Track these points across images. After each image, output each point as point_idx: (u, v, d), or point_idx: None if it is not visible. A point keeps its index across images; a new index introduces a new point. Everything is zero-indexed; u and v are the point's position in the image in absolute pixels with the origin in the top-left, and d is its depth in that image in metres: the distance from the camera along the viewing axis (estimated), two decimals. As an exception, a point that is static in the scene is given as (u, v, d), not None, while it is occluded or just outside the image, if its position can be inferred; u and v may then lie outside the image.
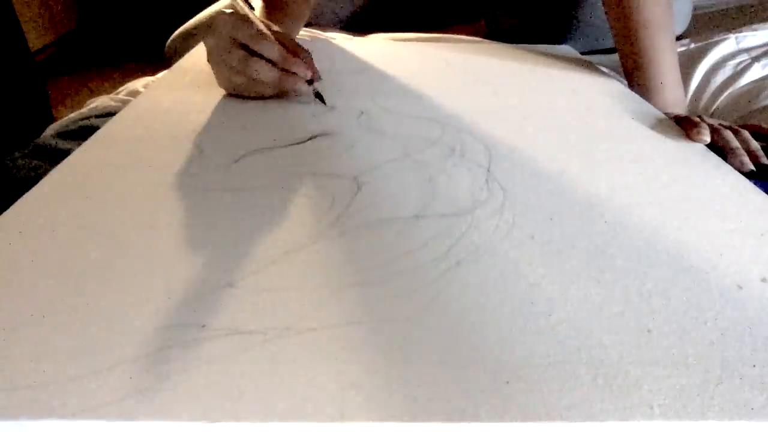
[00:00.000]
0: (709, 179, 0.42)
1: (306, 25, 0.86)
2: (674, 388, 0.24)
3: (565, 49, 0.78)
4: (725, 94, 0.69)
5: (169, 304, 0.28)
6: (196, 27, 0.88)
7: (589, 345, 0.26)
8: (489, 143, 0.47)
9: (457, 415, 0.23)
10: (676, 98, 0.62)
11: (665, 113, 0.55)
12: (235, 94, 0.56)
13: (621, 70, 0.72)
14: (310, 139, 0.47)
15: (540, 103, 0.57)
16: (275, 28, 0.56)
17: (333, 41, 0.80)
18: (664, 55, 0.61)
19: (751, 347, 0.26)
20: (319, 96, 0.55)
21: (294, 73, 0.54)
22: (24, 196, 0.38)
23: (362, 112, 0.53)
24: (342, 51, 0.74)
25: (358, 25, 0.89)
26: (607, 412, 0.23)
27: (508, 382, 0.24)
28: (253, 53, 0.52)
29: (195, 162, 0.43)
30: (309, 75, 0.54)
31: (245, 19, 0.53)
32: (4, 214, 0.36)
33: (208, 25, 0.56)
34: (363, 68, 0.67)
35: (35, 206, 0.37)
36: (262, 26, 0.53)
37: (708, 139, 0.48)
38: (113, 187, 0.39)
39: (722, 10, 0.93)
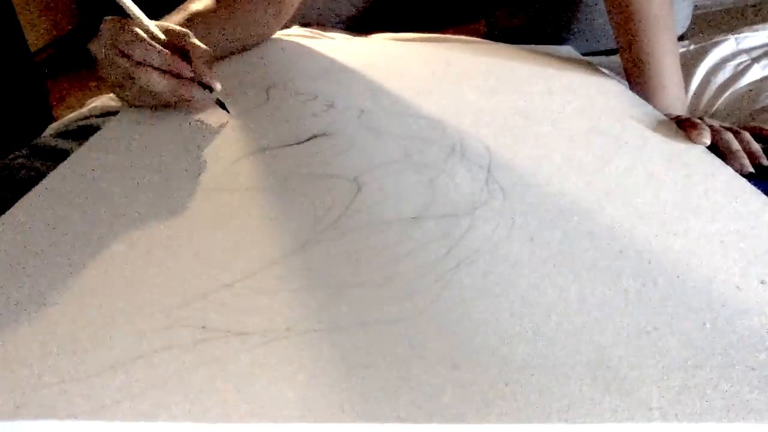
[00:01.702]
0: (708, 181, 0.42)
1: (306, 25, 0.86)
2: (673, 389, 0.24)
3: (565, 49, 0.78)
4: (725, 94, 0.69)
5: (168, 305, 0.28)
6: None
7: (589, 347, 0.26)
8: (489, 144, 0.47)
9: (456, 417, 0.23)
10: (677, 99, 0.62)
11: (666, 114, 0.55)
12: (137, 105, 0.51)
13: (622, 71, 0.72)
14: (309, 139, 0.47)
15: (540, 104, 0.57)
16: (172, 26, 0.51)
17: (333, 41, 0.80)
18: (665, 55, 0.61)
19: (749, 349, 0.26)
20: (221, 104, 0.51)
21: (188, 80, 0.49)
22: (25, 196, 0.38)
23: (362, 112, 0.53)
24: (342, 50, 0.74)
25: (359, 25, 0.89)
26: (606, 414, 0.23)
27: (507, 384, 0.24)
28: (137, 62, 0.47)
29: (195, 163, 0.43)
30: (203, 78, 0.49)
31: (126, 23, 0.48)
32: (6, 214, 0.36)
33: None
34: (363, 67, 0.67)
35: (36, 207, 0.37)
36: (145, 29, 0.49)
37: (708, 141, 0.48)
38: (113, 187, 0.39)
39: (722, 10, 0.93)
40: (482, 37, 0.83)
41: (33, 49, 1.76)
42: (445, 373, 0.25)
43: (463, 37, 0.82)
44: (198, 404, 0.23)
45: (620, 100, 0.58)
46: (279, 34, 0.80)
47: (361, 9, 0.90)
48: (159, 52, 0.47)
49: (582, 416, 0.23)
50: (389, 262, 0.32)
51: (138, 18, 0.49)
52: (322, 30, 0.85)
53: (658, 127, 0.52)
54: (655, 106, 0.58)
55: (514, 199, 0.39)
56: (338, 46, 0.76)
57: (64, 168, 0.42)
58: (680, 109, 0.62)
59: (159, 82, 0.47)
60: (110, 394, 0.23)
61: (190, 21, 0.59)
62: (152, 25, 0.49)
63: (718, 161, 0.46)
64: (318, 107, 0.54)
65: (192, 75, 0.48)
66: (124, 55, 0.47)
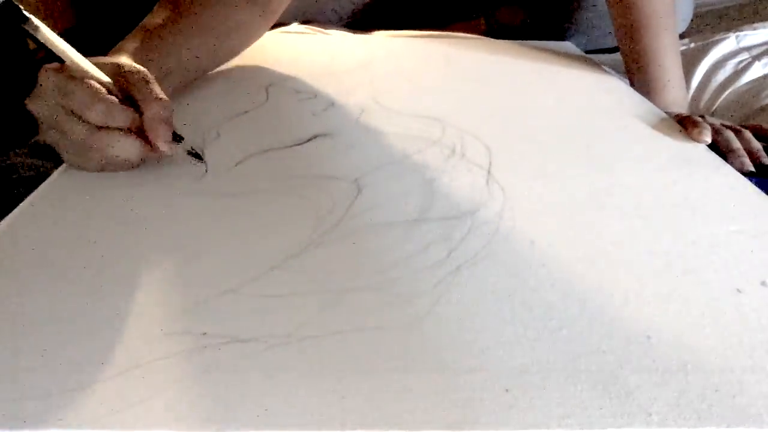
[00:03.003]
0: (709, 180, 0.42)
1: (306, 23, 0.86)
2: (672, 395, 0.24)
3: (566, 46, 0.77)
4: (726, 92, 0.69)
5: (169, 311, 0.28)
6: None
7: (588, 351, 0.26)
8: (489, 143, 0.47)
9: (456, 423, 0.23)
10: (678, 97, 0.62)
11: (667, 112, 0.55)
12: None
13: (622, 68, 0.72)
14: (310, 139, 0.47)
15: (541, 102, 0.57)
16: (125, 63, 0.42)
17: (333, 38, 0.80)
18: (666, 53, 0.61)
19: (749, 353, 0.26)
20: (194, 154, 0.42)
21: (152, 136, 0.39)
22: (25, 200, 0.38)
23: (362, 111, 0.53)
24: (342, 48, 0.74)
25: (359, 23, 0.89)
26: (605, 420, 0.23)
27: (507, 390, 0.24)
28: (99, 126, 0.38)
29: (197, 166, 0.42)
30: (169, 136, 0.40)
31: (73, 74, 0.38)
32: (7, 216, 0.36)
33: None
34: (363, 65, 0.66)
35: (36, 211, 0.37)
36: (97, 80, 0.39)
37: (709, 139, 0.48)
38: (113, 190, 0.39)
39: (722, 9, 0.93)
40: (482, 35, 0.83)
41: (32, 47, 1.76)
42: (444, 380, 0.25)
43: (463, 34, 0.82)
44: (199, 412, 0.23)
45: (621, 97, 0.58)
46: (279, 32, 0.80)
47: (362, 7, 0.90)
48: (122, 109, 0.38)
49: (581, 422, 0.23)
50: (390, 265, 0.32)
51: (75, 61, 0.39)
52: (322, 28, 0.85)
53: (659, 125, 0.51)
54: (656, 104, 0.58)
55: (515, 199, 0.39)
56: (338, 44, 0.76)
57: (62, 169, 0.42)
58: (682, 106, 0.62)
59: (129, 148, 0.39)
60: (109, 402, 0.23)
61: (148, 40, 0.50)
62: (96, 70, 0.40)
63: (719, 160, 0.46)
64: (318, 106, 0.54)
65: (159, 134, 0.39)
66: (78, 117, 0.38)
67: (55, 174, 0.41)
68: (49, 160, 0.50)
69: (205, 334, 0.26)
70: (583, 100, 0.58)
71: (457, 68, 0.68)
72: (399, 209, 0.37)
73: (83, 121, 0.38)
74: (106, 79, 0.40)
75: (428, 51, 0.74)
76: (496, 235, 0.35)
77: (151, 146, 0.40)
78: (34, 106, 0.39)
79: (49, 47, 0.38)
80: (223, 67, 0.63)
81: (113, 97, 0.38)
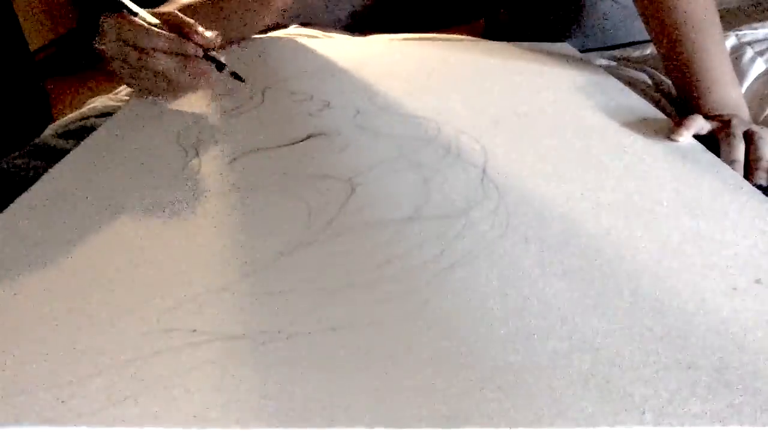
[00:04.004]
0: (705, 179, 0.42)
1: (305, 25, 0.86)
2: (666, 392, 0.24)
3: (562, 47, 0.77)
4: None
5: (159, 308, 0.28)
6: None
7: (582, 349, 0.26)
8: (485, 143, 0.47)
9: (447, 421, 0.22)
10: (724, 98, 0.56)
11: (711, 115, 0.53)
12: (158, 95, 0.54)
13: (620, 67, 0.72)
14: (305, 139, 0.47)
15: (536, 103, 0.56)
16: (171, 12, 0.54)
17: (330, 40, 0.80)
18: (708, 52, 0.56)
19: (744, 350, 0.26)
20: (235, 75, 0.53)
21: (195, 57, 0.51)
22: (21, 196, 0.38)
23: (358, 111, 0.53)
24: (338, 50, 0.74)
25: (357, 25, 0.89)
26: (598, 418, 0.23)
27: (499, 387, 0.24)
28: (144, 50, 0.50)
29: (192, 163, 0.42)
30: (200, 51, 0.51)
31: (127, 17, 0.51)
32: (2, 214, 0.36)
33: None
34: (359, 67, 0.66)
35: (31, 206, 0.37)
36: (144, 19, 0.51)
37: (679, 139, 0.48)
38: (108, 188, 0.39)
39: (721, 10, 0.93)
40: (481, 37, 0.83)
41: (33, 48, 1.77)
42: (437, 377, 0.24)
43: (460, 36, 0.82)
44: (189, 409, 0.23)
45: (617, 98, 0.58)
46: (276, 34, 0.80)
47: (360, 10, 0.90)
48: (164, 36, 0.50)
49: (574, 420, 0.23)
50: (383, 263, 0.32)
51: (136, 11, 0.51)
52: (320, 30, 0.85)
53: (655, 125, 0.51)
54: (702, 106, 0.55)
55: (509, 198, 0.39)
56: (334, 46, 0.76)
57: (59, 168, 0.42)
58: (733, 107, 0.55)
59: (168, 64, 0.50)
60: (98, 398, 0.23)
61: (182, 12, 0.60)
62: (149, 16, 0.51)
63: (715, 159, 0.46)
64: (314, 107, 0.54)
65: (196, 52, 0.51)
66: (131, 46, 0.49)
67: (50, 172, 0.41)
68: (49, 160, 0.50)
69: (194, 331, 0.26)
70: (579, 100, 0.57)
71: (453, 69, 0.68)
72: (393, 208, 0.37)
73: (135, 49, 0.49)
74: (154, 20, 0.51)
75: (424, 53, 0.74)
76: (490, 233, 0.35)
77: (194, 70, 0.51)
78: (100, 44, 0.51)
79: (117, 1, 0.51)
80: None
81: (155, 28, 0.50)
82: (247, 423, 0.22)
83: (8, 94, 1.45)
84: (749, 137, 0.49)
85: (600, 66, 0.72)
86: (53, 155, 0.52)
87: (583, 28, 0.81)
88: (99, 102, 0.68)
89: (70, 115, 0.64)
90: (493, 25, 0.87)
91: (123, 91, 0.73)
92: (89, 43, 0.53)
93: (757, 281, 0.31)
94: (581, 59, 0.72)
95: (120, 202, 0.37)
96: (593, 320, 0.28)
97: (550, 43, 0.78)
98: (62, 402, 0.23)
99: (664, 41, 0.59)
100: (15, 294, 0.29)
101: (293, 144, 0.46)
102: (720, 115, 0.53)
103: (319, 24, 0.88)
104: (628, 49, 0.78)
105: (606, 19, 0.78)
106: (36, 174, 0.47)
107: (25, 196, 0.38)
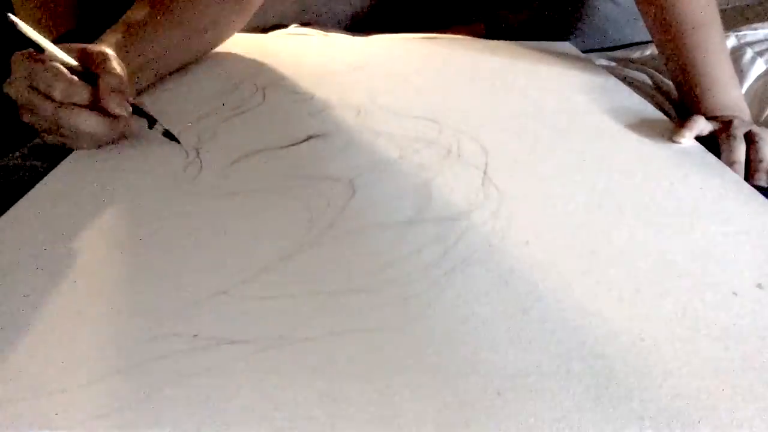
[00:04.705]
0: (706, 182, 0.42)
1: (305, 25, 0.86)
2: (666, 398, 0.24)
3: (564, 46, 0.77)
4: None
5: (160, 312, 0.28)
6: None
7: (582, 354, 0.26)
8: (486, 144, 0.47)
9: (447, 426, 0.22)
10: (724, 99, 0.55)
11: (712, 116, 0.53)
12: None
13: (620, 67, 0.71)
14: (306, 140, 0.47)
15: (538, 104, 0.56)
16: (89, 47, 0.46)
17: (331, 40, 0.80)
18: (707, 52, 0.56)
19: (744, 355, 0.26)
20: (169, 135, 0.45)
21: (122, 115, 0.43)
22: (22, 198, 0.38)
23: (359, 112, 0.53)
24: (340, 48, 0.74)
25: (358, 25, 0.89)
26: (598, 424, 0.23)
27: (499, 393, 0.24)
28: (61, 103, 0.41)
29: (192, 164, 0.42)
30: (129, 108, 0.43)
31: (38, 56, 0.42)
32: (4, 215, 0.36)
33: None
34: (361, 66, 0.66)
35: (32, 208, 0.37)
36: (57, 58, 0.42)
37: (681, 141, 0.47)
38: (109, 189, 0.39)
39: (721, 9, 0.93)
40: (482, 37, 0.83)
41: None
42: (437, 382, 0.24)
43: (461, 36, 0.82)
44: (189, 414, 0.23)
45: (619, 98, 0.58)
46: (276, 34, 0.80)
47: (361, 9, 0.90)
48: (83, 86, 0.42)
49: (574, 426, 0.23)
50: (383, 266, 0.32)
51: (46, 47, 0.42)
52: (320, 30, 0.85)
53: (656, 126, 0.51)
54: (704, 107, 0.55)
55: (510, 200, 0.38)
56: (336, 46, 0.76)
57: (59, 168, 0.42)
58: (733, 108, 0.55)
59: (90, 122, 0.42)
60: (100, 403, 0.23)
61: (128, 33, 0.53)
62: (65, 55, 0.43)
63: (716, 161, 0.46)
64: (314, 107, 0.54)
65: (123, 110, 0.42)
66: (45, 96, 0.41)
67: (52, 173, 0.41)
68: (49, 161, 0.50)
69: (196, 335, 0.26)
70: (581, 101, 0.57)
71: (454, 69, 0.67)
72: (394, 210, 0.37)
73: (50, 100, 0.41)
74: (72, 62, 0.43)
75: (426, 52, 0.73)
76: (491, 236, 0.35)
77: (118, 130, 0.44)
78: (9, 88, 0.42)
79: (26, 36, 0.42)
80: (222, 67, 0.63)
81: (74, 77, 0.42)
82: (248, 428, 0.22)
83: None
84: (750, 138, 0.49)
85: (601, 66, 0.71)
86: (53, 155, 0.52)
87: (583, 29, 0.81)
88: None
89: (69, 116, 0.64)
90: (493, 26, 0.86)
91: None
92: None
93: (758, 286, 0.31)
94: (584, 59, 0.72)
95: (120, 204, 0.37)
96: (593, 325, 0.28)
97: (552, 43, 0.77)
98: (62, 407, 0.23)
99: (665, 41, 0.59)
100: (15, 296, 0.29)
101: (294, 145, 0.46)
102: (721, 116, 0.53)
103: (319, 24, 0.88)
104: (628, 50, 0.78)
105: (607, 21, 0.78)
106: (36, 174, 0.47)
107: (25, 196, 0.38)
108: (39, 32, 0.43)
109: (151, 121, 0.45)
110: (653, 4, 0.59)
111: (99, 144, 0.45)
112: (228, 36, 0.69)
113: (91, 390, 0.23)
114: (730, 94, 0.56)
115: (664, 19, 0.58)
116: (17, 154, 0.55)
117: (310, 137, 0.47)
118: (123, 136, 0.46)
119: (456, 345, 0.26)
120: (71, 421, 0.22)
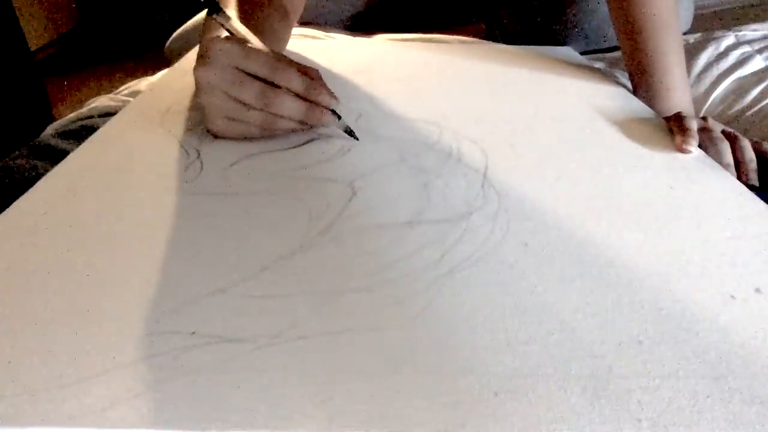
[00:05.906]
0: (705, 185, 0.42)
1: (306, 25, 0.86)
2: (663, 400, 0.24)
3: (565, 50, 0.77)
4: (727, 81, 0.68)
5: (158, 310, 0.28)
6: (195, 27, 0.88)
7: (580, 355, 0.26)
8: (486, 147, 0.47)
9: (444, 426, 0.22)
10: (682, 102, 0.60)
11: (670, 117, 0.54)
12: (232, 137, 0.46)
13: (620, 69, 0.72)
14: (307, 142, 0.47)
15: (538, 107, 0.57)
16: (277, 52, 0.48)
17: (332, 41, 0.80)
18: (669, 56, 0.60)
19: (743, 359, 0.26)
20: (349, 132, 0.48)
21: (317, 102, 0.46)
22: (22, 197, 0.38)
23: (360, 115, 0.53)
24: (341, 51, 0.74)
25: (359, 25, 0.89)
26: (595, 425, 0.23)
27: (496, 394, 0.24)
28: (272, 85, 0.44)
29: (192, 165, 0.43)
30: (333, 103, 0.46)
31: (250, 46, 0.44)
32: (2, 214, 0.36)
33: (200, 55, 0.45)
34: (362, 69, 0.66)
35: (32, 207, 0.37)
36: (269, 51, 0.45)
37: (692, 150, 0.47)
38: (110, 189, 0.39)
39: (720, 12, 0.93)
40: (483, 38, 0.83)
41: (33, 48, 1.77)
42: (435, 383, 0.24)
43: (462, 38, 0.82)
44: (186, 412, 0.23)
45: (618, 103, 0.58)
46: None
47: (361, 9, 0.90)
48: (298, 76, 0.44)
49: (571, 427, 0.23)
50: (382, 267, 0.32)
51: (255, 40, 0.45)
52: (322, 30, 0.85)
53: (656, 130, 0.51)
54: (659, 109, 0.57)
55: (510, 203, 0.39)
56: (337, 47, 0.76)
57: (60, 168, 0.42)
58: (686, 110, 0.60)
59: (296, 107, 0.44)
60: (96, 400, 0.23)
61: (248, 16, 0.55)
62: (263, 45, 0.45)
63: (716, 166, 0.46)
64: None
65: (329, 102, 0.46)
66: (255, 78, 0.43)
67: (53, 171, 0.41)
68: (49, 160, 0.50)
69: (193, 333, 0.26)
70: (580, 104, 0.58)
71: (454, 72, 0.68)
72: (393, 212, 0.37)
73: (257, 81, 0.43)
74: (267, 50, 0.45)
75: (427, 55, 0.74)
76: (489, 238, 0.35)
77: (316, 117, 0.46)
78: (202, 71, 0.43)
79: (234, 31, 0.46)
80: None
81: (288, 64, 0.44)
82: (246, 426, 0.22)
83: (8, 94, 1.45)
84: (729, 138, 0.50)
85: (600, 69, 0.72)
86: (53, 155, 0.52)
87: (583, 31, 0.81)
88: (99, 102, 0.68)
89: (70, 115, 0.64)
90: (493, 27, 0.87)
91: (123, 91, 0.73)
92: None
93: (757, 290, 0.31)
94: (583, 64, 0.72)
95: (121, 204, 0.37)
96: (592, 327, 0.28)
97: (552, 47, 0.78)
98: (62, 403, 0.23)
99: (628, 41, 0.62)
100: (15, 294, 0.29)
101: (294, 147, 0.46)
102: (678, 113, 0.53)
103: (320, 24, 0.88)
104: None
105: (606, 23, 0.78)
106: (36, 174, 0.47)
107: (25, 196, 0.38)
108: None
109: (337, 117, 0.47)
110: (620, 4, 0.61)
111: (284, 131, 0.46)
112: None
113: (88, 386, 0.23)
114: (686, 97, 0.60)
115: (629, 19, 0.61)
116: (18, 153, 0.55)
117: (311, 140, 0.48)
118: (310, 127, 0.48)
119: (454, 345, 0.26)
120: (67, 418, 0.22)
